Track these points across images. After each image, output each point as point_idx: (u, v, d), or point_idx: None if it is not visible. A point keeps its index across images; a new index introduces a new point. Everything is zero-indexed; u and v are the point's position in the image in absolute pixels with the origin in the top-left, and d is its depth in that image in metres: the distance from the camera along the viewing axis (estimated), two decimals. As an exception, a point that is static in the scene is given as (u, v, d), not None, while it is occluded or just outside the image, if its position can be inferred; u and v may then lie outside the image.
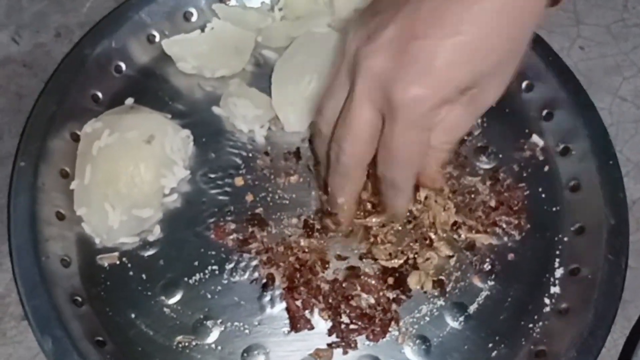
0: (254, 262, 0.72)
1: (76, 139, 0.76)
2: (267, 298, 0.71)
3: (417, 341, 0.70)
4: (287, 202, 0.76)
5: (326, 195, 0.71)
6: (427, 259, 0.72)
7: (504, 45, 0.53)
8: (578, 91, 0.80)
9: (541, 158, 0.79)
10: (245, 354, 0.69)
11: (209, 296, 0.71)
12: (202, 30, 0.83)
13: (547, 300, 0.72)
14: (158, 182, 0.74)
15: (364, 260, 0.72)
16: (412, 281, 0.72)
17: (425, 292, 0.72)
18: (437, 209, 0.74)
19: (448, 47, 0.51)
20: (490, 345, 0.70)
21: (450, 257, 0.73)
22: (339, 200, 0.68)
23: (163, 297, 0.71)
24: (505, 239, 0.75)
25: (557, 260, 0.74)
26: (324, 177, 0.70)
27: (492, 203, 0.76)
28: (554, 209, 0.76)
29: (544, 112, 0.80)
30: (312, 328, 0.70)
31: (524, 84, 0.81)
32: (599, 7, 0.90)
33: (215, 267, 0.73)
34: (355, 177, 0.63)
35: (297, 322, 0.70)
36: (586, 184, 0.76)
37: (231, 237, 0.73)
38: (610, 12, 0.89)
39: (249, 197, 0.76)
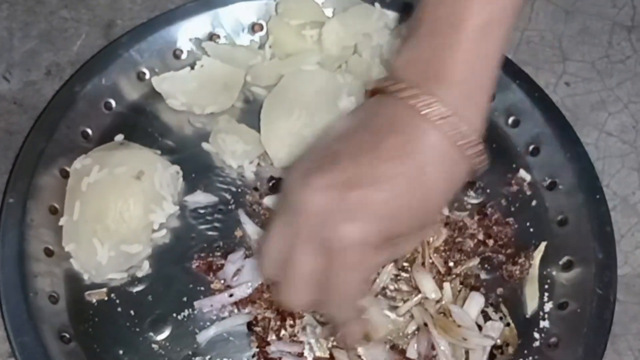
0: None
1: (65, 175, 0.76)
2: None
3: (407, 378, 0.70)
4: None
5: None
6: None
7: (429, 194, 0.56)
8: (564, 126, 0.81)
9: (528, 193, 0.79)
10: (234, 391, 0.69)
11: (198, 332, 0.71)
12: (192, 67, 0.84)
13: (536, 335, 0.72)
14: (147, 218, 0.74)
15: None
16: None
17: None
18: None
19: (390, 196, 0.54)
20: (480, 380, 0.70)
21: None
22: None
23: (151, 334, 0.71)
24: (494, 273, 0.75)
25: (546, 294, 0.74)
26: None
27: (481, 237, 0.76)
28: (541, 243, 0.76)
29: (531, 147, 0.81)
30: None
31: (510, 120, 0.82)
32: (584, 44, 0.91)
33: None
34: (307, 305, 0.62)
35: None
36: (573, 218, 0.77)
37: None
38: (595, 48, 0.91)
39: (238, 233, 0.76)
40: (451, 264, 0.74)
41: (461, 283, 0.74)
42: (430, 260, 0.74)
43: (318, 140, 0.61)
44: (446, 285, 0.73)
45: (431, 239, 0.75)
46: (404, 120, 0.55)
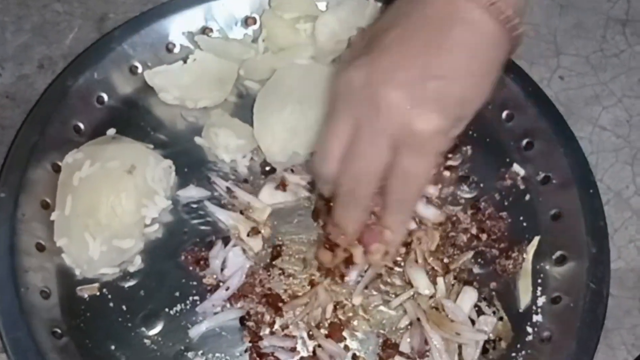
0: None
1: (57, 169, 0.76)
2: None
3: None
4: (270, 232, 0.76)
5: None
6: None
7: (486, 78, 0.60)
8: (558, 121, 0.80)
9: (522, 187, 0.79)
10: (226, 385, 0.69)
11: (190, 327, 0.71)
12: (185, 61, 0.83)
13: (529, 329, 0.72)
14: (139, 213, 0.74)
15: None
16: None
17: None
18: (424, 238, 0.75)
19: (459, 85, 0.58)
20: (473, 374, 0.70)
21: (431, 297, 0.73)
22: (349, 230, 0.66)
23: (143, 329, 0.71)
24: (488, 267, 0.75)
25: (539, 288, 0.74)
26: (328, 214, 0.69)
27: (474, 232, 0.76)
28: (535, 237, 0.76)
29: (525, 142, 0.81)
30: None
31: (504, 114, 0.82)
32: (579, 38, 0.91)
33: (196, 297, 0.72)
34: (366, 208, 0.64)
35: None
36: (567, 213, 0.76)
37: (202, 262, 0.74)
38: (589, 42, 0.90)
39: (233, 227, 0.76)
40: (446, 260, 0.74)
41: (454, 278, 0.74)
42: (429, 266, 0.74)
43: (370, 31, 0.63)
44: (440, 280, 0.73)
45: (426, 244, 0.74)
46: (459, 11, 0.58)
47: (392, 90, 0.57)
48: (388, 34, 0.59)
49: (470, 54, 0.58)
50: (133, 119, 0.81)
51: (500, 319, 0.72)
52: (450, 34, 0.58)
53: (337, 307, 0.72)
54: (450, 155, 0.80)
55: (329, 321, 0.71)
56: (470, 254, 0.75)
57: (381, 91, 0.57)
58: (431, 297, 0.72)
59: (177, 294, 0.72)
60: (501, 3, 0.57)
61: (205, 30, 0.85)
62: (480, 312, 0.72)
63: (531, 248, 0.75)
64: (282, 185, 0.77)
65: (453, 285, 0.73)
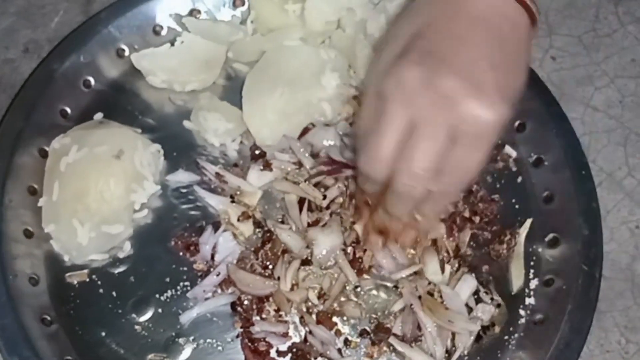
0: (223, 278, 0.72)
1: (44, 155, 0.75)
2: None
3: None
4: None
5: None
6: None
7: (526, 63, 0.61)
8: (550, 102, 0.80)
9: (514, 169, 0.79)
10: (218, 371, 0.68)
11: (181, 313, 0.70)
12: (172, 44, 0.82)
13: (522, 312, 0.72)
14: (128, 198, 0.73)
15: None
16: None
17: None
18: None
19: (512, 73, 0.59)
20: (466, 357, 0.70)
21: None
22: (405, 218, 0.66)
23: (134, 315, 0.70)
24: (480, 250, 0.74)
25: (532, 271, 0.74)
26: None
27: (466, 214, 0.75)
28: (527, 219, 0.76)
29: (517, 123, 0.80)
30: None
31: (496, 95, 0.81)
32: (571, 18, 0.90)
33: (187, 283, 0.72)
34: (422, 198, 0.61)
35: None
36: (559, 195, 0.76)
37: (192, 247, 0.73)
38: (581, 22, 0.90)
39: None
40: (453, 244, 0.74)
41: (448, 262, 0.73)
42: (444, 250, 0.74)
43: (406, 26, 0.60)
44: (447, 267, 0.72)
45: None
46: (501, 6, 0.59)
47: (453, 81, 0.55)
48: (431, 31, 0.59)
49: (515, 44, 0.59)
50: (120, 102, 0.80)
51: (498, 305, 0.72)
52: (499, 30, 0.58)
53: (324, 294, 0.71)
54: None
55: (317, 308, 0.71)
56: (468, 234, 0.74)
57: (442, 84, 0.55)
58: (429, 282, 0.72)
59: (168, 279, 0.72)
60: None
61: (192, 12, 0.84)
62: (479, 300, 0.72)
63: (523, 230, 0.75)
64: (267, 166, 0.76)
65: (456, 271, 0.73)
